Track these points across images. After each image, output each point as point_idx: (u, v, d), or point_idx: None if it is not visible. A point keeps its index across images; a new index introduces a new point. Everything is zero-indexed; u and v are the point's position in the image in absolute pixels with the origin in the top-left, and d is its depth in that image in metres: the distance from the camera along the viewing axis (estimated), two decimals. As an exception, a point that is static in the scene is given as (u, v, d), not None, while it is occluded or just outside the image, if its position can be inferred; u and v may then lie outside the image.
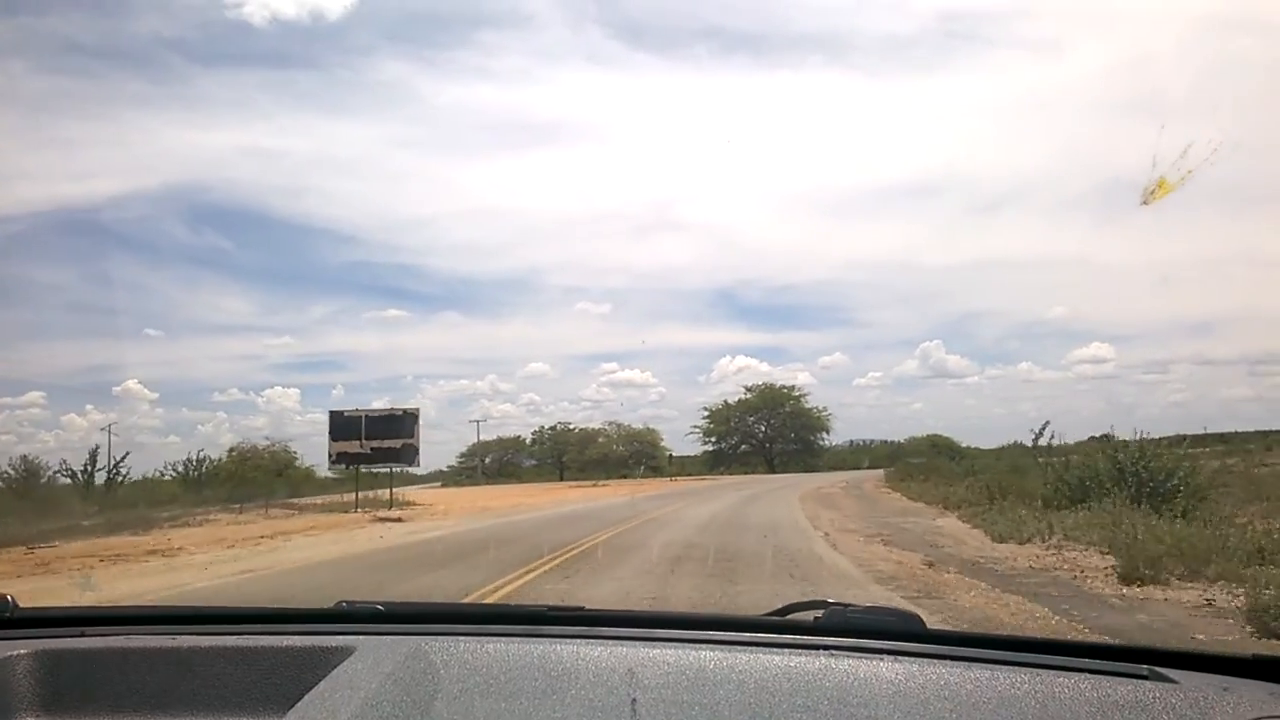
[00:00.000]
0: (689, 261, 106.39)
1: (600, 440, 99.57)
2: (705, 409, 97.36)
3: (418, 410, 37.45)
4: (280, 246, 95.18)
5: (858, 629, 1.68)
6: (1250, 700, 1.36)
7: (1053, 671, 1.47)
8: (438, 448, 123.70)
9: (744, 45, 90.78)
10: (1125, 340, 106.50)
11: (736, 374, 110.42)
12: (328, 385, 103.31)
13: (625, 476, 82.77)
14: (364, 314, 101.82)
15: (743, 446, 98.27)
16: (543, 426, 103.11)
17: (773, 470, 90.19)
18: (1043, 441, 24.26)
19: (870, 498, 34.10)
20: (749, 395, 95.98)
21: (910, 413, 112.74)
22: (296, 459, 50.41)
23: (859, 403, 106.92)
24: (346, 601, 1.96)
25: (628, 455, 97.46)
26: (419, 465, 39.54)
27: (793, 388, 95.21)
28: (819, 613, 1.75)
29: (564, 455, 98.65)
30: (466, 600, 9.31)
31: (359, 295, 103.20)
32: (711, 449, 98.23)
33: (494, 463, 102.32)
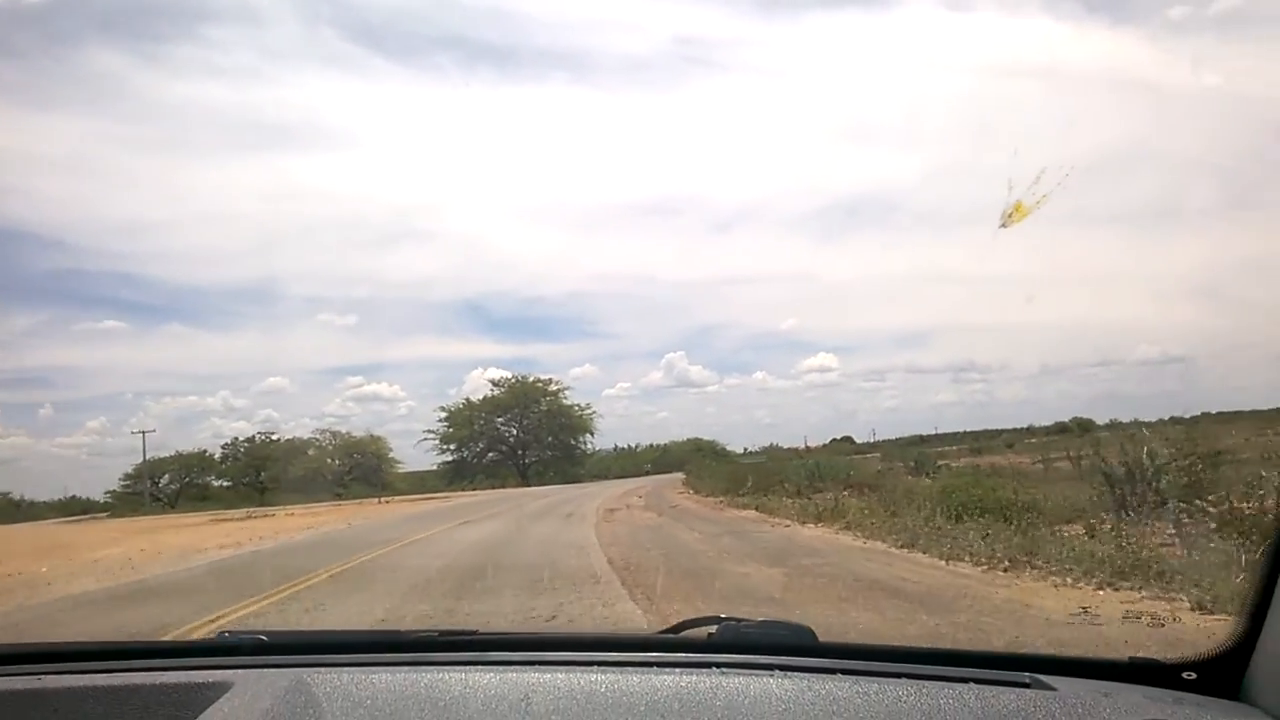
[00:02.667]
0: (437, 272, 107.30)
1: (310, 453, 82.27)
2: (443, 409, 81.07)
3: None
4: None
5: (750, 644, 1.70)
6: (1128, 705, 1.45)
7: (938, 683, 1.50)
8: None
9: (488, 57, 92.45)
10: (848, 351, 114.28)
11: (488, 387, 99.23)
12: (34, 404, 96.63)
13: (340, 496, 68.20)
14: (75, 326, 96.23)
15: (490, 454, 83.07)
16: (235, 438, 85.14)
17: (526, 482, 75.99)
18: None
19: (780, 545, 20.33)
20: (497, 391, 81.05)
21: (657, 421, 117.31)
22: None
23: (610, 413, 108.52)
24: (229, 631, 1.96)
25: (346, 470, 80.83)
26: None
27: (549, 380, 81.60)
28: (713, 629, 1.78)
29: (263, 472, 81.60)
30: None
31: (70, 306, 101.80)
32: (451, 459, 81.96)
33: (173, 485, 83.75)
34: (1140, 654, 1.81)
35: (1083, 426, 68.00)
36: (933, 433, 75.54)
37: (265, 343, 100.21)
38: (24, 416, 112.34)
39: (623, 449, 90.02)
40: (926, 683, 1.48)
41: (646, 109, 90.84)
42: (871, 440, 77.33)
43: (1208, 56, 66.37)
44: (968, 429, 76.66)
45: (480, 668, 1.60)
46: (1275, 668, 1.51)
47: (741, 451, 70.92)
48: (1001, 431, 77.51)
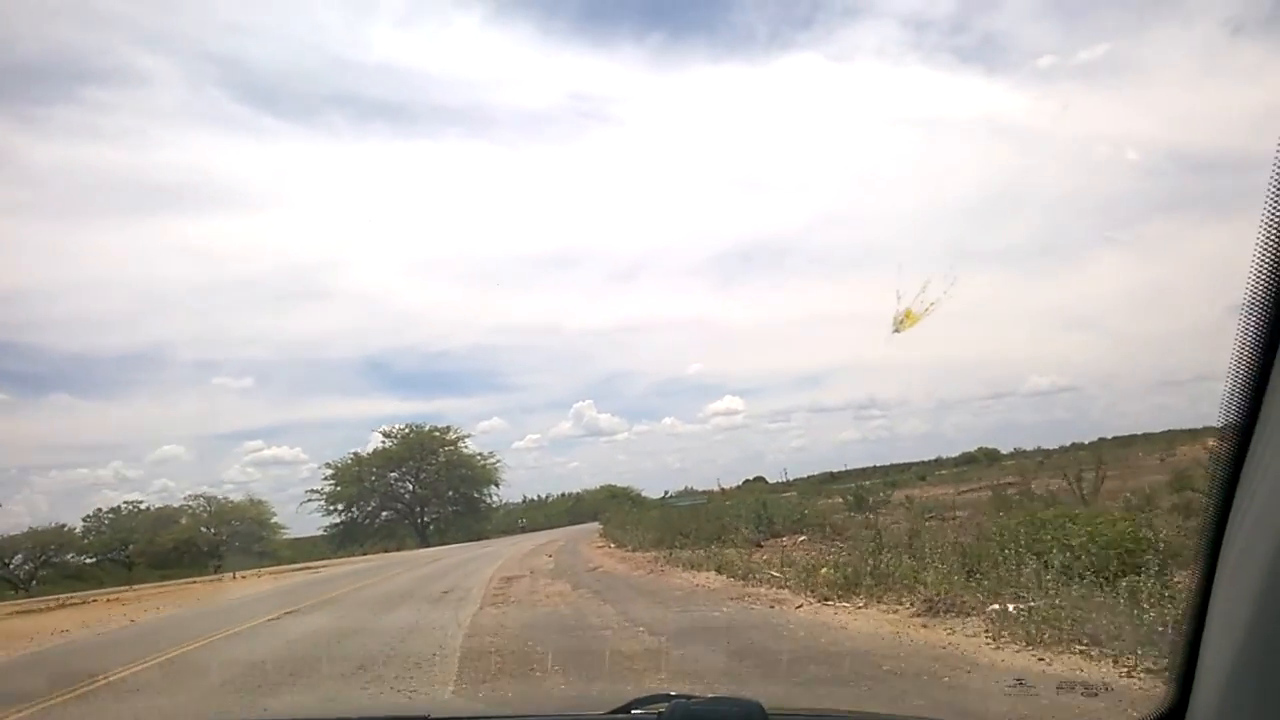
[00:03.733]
0: (337, 330, 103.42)
1: (183, 521, 72.92)
2: (329, 465, 72.16)
3: None
4: None
5: None
6: None
7: None
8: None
9: (381, 114, 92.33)
10: (752, 393, 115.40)
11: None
12: None
13: (218, 569, 58.39)
14: None
15: (384, 513, 74.37)
16: (99, 509, 75.77)
17: (425, 542, 67.79)
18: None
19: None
20: (389, 443, 72.57)
21: (568, 471, 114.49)
22: None
23: (520, 465, 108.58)
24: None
25: (222, 539, 71.72)
26: None
27: (446, 429, 73.53)
28: (663, 707, 1.80)
29: (131, 545, 71.43)
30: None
31: None
32: (340, 521, 72.88)
33: (27, 565, 71.85)
34: None
35: (990, 456, 68.84)
36: (842, 469, 72.53)
37: (157, 410, 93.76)
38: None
39: (533, 500, 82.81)
40: None
41: (544, 162, 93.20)
42: (785, 479, 73.05)
43: (1074, 102, 73.49)
44: (875, 464, 75.75)
45: None
46: None
47: (662, 496, 66.62)
48: (911, 465, 76.87)
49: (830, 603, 10.01)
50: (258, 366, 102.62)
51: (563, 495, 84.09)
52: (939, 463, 76.58)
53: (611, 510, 54.05)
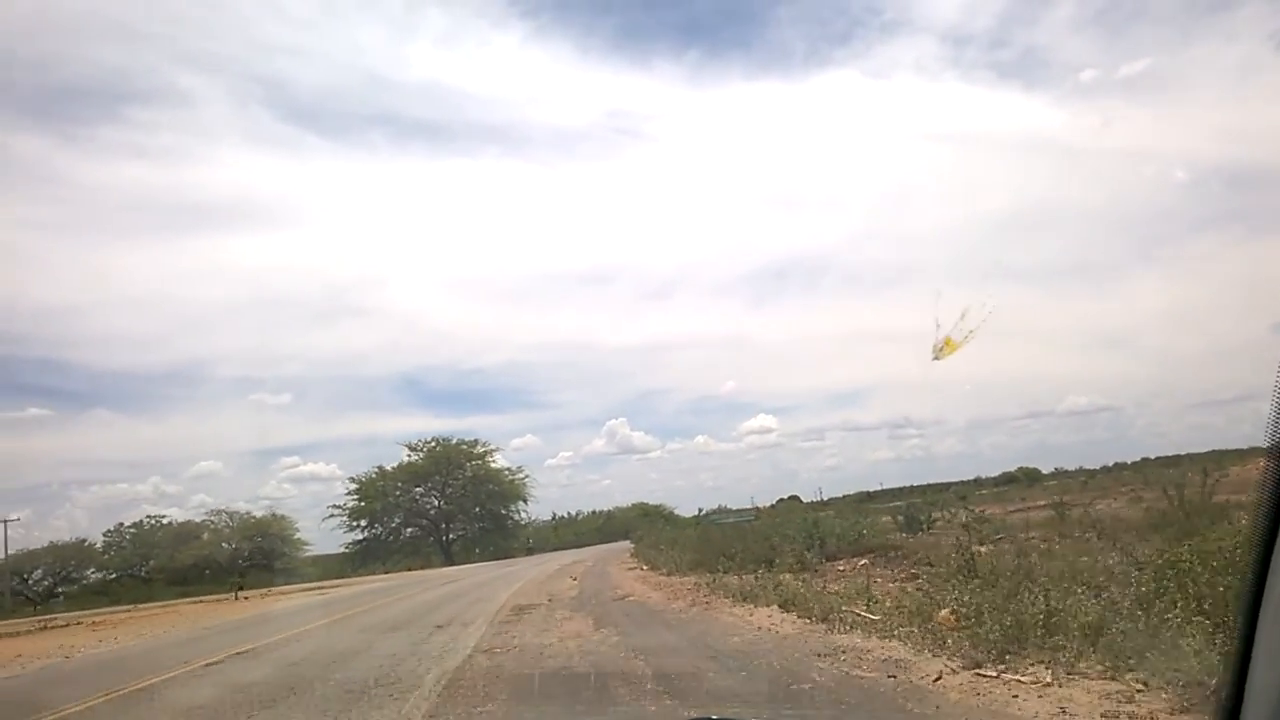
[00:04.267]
0: (371, 347, 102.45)
1: (205, 537, 70.49)
2: (353, 480, 69.18)
3: None
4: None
5: None
6: None
7: None
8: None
9: (420, 133, 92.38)
10: (786, 411, 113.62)
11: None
12: None
13: (240, 587, 55.61)
14: None
15: (409, 530, 71.14)
16: (120, 524, 73.47)
17: (450, 560, 64.56)
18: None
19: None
20: (414, 457, 69.43)
21: (600, 489, 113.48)
22: None
23: (552, 483, 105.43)
24: None
25: (242, 555, 69.10)
26: None
27: (474, 443, 70.20)
28: None
29: (151, 561, 68.74)
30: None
31: None
32: (361, 538, 69.77)
33: (46, 580, 69.55)
34: None
35: (1030, 476, 66.42)
36: (878, 488, 69.07)
37: (196, 426, 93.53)
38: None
39: (562, 517, 79.12)
40: None
41: (579, 179, 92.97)
42: (820, 498, 69.37)
43: (1115, 117, 72.59)
44: (911, 483, 71.09)
45: None
46: None
47: (696, 514, 63.16)
48: (949, 484, 71.93)
49: (987, 671, 6.44)
50: (295, 383, 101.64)
51: (593, 513, 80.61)
52: (979, 482, 72.54)
53: (644, 528, 50.48)
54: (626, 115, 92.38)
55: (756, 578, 15.11)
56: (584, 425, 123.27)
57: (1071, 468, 66.28)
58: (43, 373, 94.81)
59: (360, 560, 66.80)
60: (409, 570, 58.67)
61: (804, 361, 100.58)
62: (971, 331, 5.68)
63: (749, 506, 52.95)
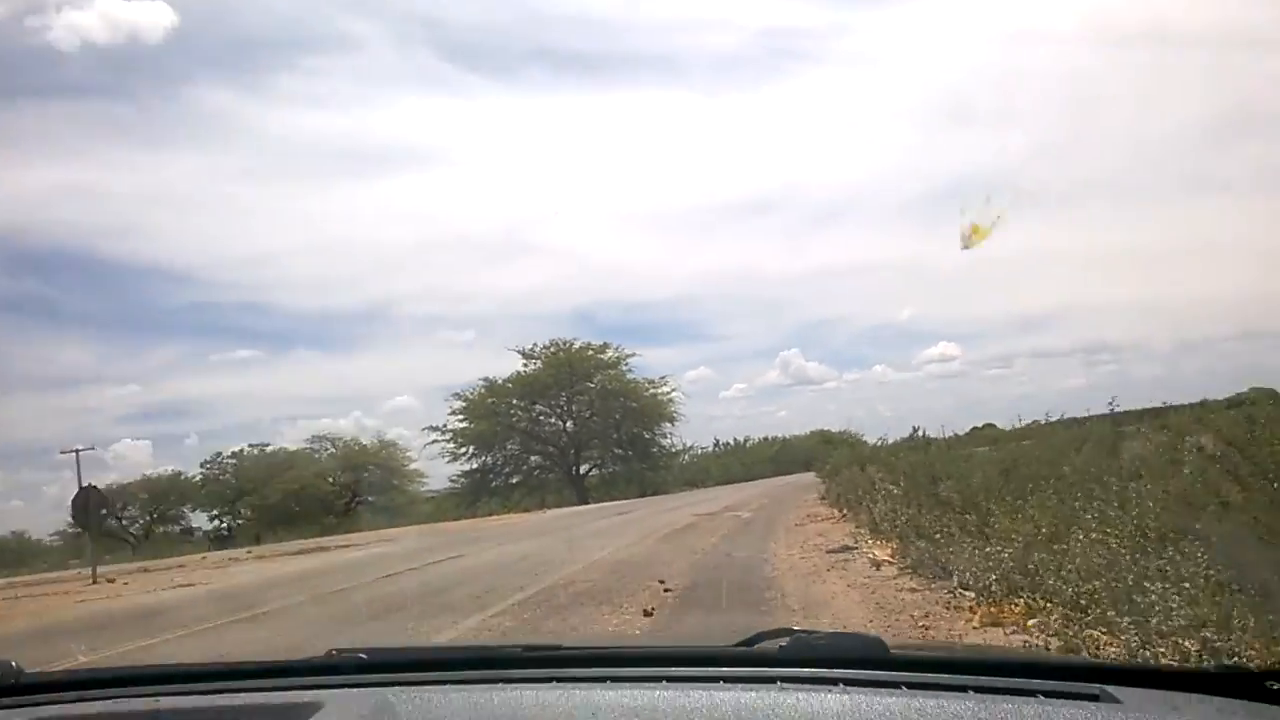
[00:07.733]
0: (545, 284, 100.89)
1: (299, 469, 59.48)
2: (457, 396, 56.71)
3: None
4: (111, 290, 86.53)
5: (820, 657, 1.71)
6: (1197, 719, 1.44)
7: (1001, 696, 1.48)
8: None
9: (576, 66, 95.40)
10: (969, 339, 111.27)
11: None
12: (180, 435, 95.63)
13: (343, 523, 47.02)
14: (211, 357, 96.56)
15: (532, 458, 58.41)
16: (219, 453, 63.14)
17: (583, 499, 51.57)
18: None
19: None
20: (531, 366, 55.80)
21: (776, 421, 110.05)
22: None
23: (727, 414, 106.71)
24: (336, 649, 1.99)
25: (347, 488, 57.85)
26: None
27: (603, 346, 55.71)
28: (784, 641, 1.78)
29: (246, 496, 58.19)
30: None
31: (203, 337, 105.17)
32: (472, 469, 56.96)
33: (143, 517, 60.77)
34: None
35: (1271, 397, 47.17)
36: (1085, 414, 53.58)
37: (389, 363, 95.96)
38: (173, 447, 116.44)
39: (728, 444, 64.90)
40: (989, 695, 1.47)
41: (739, 105, 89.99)
42: (1019, 425, 53.54)
43: None
44: (1112, 410, 55.78)
45: (557, 685, 1.65)
46: None
47: (877, 442, 48.26)
48: (1169, 408, 55.71)
49: None
50: (477, 320, 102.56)
51: (764, 439, 67.31)
52: (1205, 405, 56.53)
53: (835, 457, 35.48)
54: (786, 35, 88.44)
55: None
56: (756, 356, 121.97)
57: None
58: (248, 316, 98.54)
59: (471, 497, 54.62)
60: (526, 511, 46.08)
61: (986, 286, 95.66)
62: (1000, 214, 4.88)
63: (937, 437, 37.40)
